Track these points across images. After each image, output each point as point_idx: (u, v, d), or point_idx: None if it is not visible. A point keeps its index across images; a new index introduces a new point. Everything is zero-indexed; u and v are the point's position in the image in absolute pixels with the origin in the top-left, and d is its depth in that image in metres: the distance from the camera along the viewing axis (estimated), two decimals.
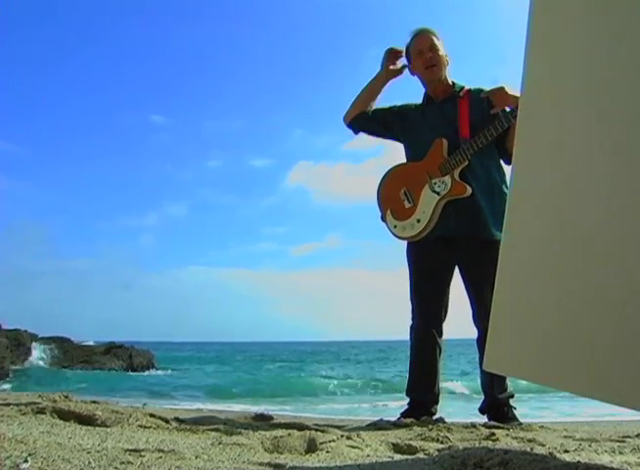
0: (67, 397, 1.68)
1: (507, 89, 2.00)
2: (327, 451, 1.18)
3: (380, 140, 2.41)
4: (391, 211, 2.23)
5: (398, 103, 2.34)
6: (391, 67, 2.28)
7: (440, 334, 2.17)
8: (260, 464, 0.99)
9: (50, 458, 0.89)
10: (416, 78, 2.28)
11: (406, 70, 2.29)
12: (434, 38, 2.19)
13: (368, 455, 1.18)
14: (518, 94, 1.92)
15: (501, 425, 1.84)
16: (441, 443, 1.40)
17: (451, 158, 2.08)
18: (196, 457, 1.02)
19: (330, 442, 1.26)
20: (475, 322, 2.10)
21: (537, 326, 1.12)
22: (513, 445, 1.36)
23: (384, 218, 2.27)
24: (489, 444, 1.37)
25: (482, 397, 2.18)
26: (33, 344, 12.15)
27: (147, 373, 12.78)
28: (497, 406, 2.10)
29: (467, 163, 2.06)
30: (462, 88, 2.20)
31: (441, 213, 2.10)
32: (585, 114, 1.05)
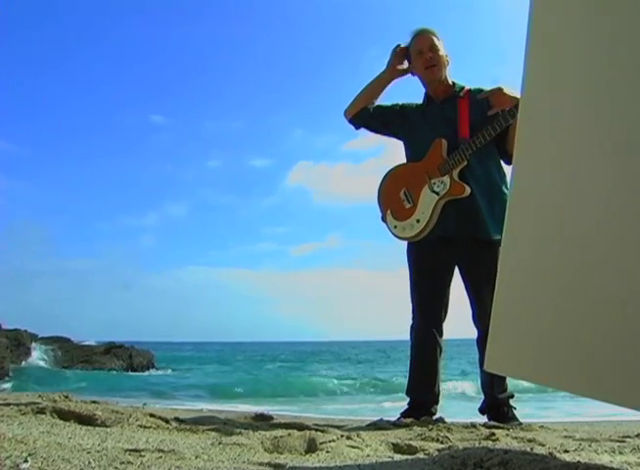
0: (67, 397, 1.68)
1: (505, 90, 2.00)
2: (327, 451, 1.18)
3: (380, 140, 2.45)
4: (392, 211, 2.24)
5: (400, 102, 2.34)
6: (398, 66, 2.28)
7: (441, 334, 2.17)
8: (260, 464, 0.99)
9: (50, 458, 0.89)
10: (416, 78, 2.28)
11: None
12: (435, 38, 2.19)
13: (368, 455, 1.18)
14: (516, 94, 1.95)
15: (501, 425, 1.84)
16: (441, 443, 1.40)
17: (450, 158, 2.08)
18: (196, 457, 1.02)
19: (330, 442, 1.26)
20: (474, 322, 2.11)
21: (538, 326, 1.12)
22: (513, 445, 1.36)
23: (384, 219, 2.27)
24: (489, 444, 1.37)
25: (483, 397, 2.18)
26: (33, 344, 12.14)
27: (147, 373, 12.77)
28: (497, 406, 2.10)
29: (466, 163, 2.06)
30: (462, 88, 2.21)
31: (441, 214, 2.10)
32: (585, 114, 1.05)
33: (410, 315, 2.21)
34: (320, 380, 10.34)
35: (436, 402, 2.16)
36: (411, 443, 1.33)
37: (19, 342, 11.59)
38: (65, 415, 1.38)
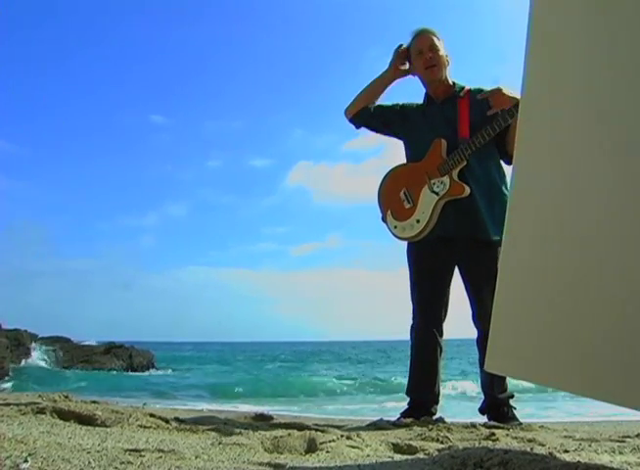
0: (67, 397, 1.68)
1: (504, 90, 2.00)
2: (327, 451, 1.18)
3: (380, 140, 2.46)
4: (392, 211, 2.24)
5: (400, 101, 2.34)
6: (401, 66, 2.28)
7: (441, 334, 2.17)
8: (260, 464, 0.99)
9: (50, 458, 0.89)
10: (417, 78, 2.28)
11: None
12: (435, 38, 2.19)
13: (368, 455, 1.18)
14: (515, 95, 1.95)
15: (501, 425, 1.84)
16: (441, 443, 1.40)
17: (450, 158, 2.08)
18: (196, 457, 1.02)
19: (330, 442, 1.26)
20: (474, 322, 2.11)
21: (538, 327, 1.12)
22: (513, 445, 1.36)
23: (384, 219, 2.28)
24: (489, 444, 1.37)
25: (483, 397, 2.18)
26: (33, 344, 12.13)
27: (147, 373, 12.77)
28: (497, 406, 2.10)
29: (465, 163, 2.06)
30: (462, 88, 2.21)
31: (441, 214, 2.10)
32: (586, 114, 1.05)
33: (410, 315, 2.21)
34: (320, 380, 10.34)
35: (436, 402, 2.16)
36: (411, 443, 1.33)
37: (19, 342, 11.59)
38: (65, 415, 1.38)
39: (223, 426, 1.52)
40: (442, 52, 2.19)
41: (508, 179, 2.11)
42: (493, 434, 1.53)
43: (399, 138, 2.33)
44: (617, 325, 0.96)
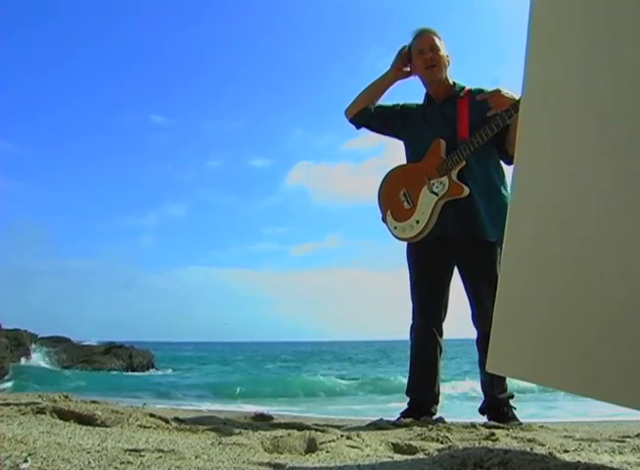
0: (67, 397, 1.68)
1: (503, 91, 2.00)
2: (327, 451, 1.18)
3: (380, 139, 2.46)
4: (392, 212, 2.24)
5: (401, 102, 2.34)
6: (403, 68, 2.28)
7: (441, 334, 2.18)
8: (260, 464, 0.99)
9: (50, 458, 0.89)
10: (418, 78, 2.28)
11: None
12: (436, 38, 2.19)
13: (368, 455, 1.18)
14: (514, 95, 1.95)
15: (501, 425, 1.84)
16: (441, 443, 1.40)
17: (449, 158, 2.08)
18: (196, 457, 1.02)
19: (330, 442, 1.26)
20: (474, 322, 2.11)
21: (540, 327, 1.12)
22: (513, 444, 1.36)
23: (384, 219, 2.28)
24: (489, 444, 1.37)
25: (483, 397, 2.18)
26: (33, 345, 12.13)
27: (147, 373, 12.78)
28: (497, 406, 2.10)
29: (464, 163, 2.06)
30: (463, 88, 2.21)
31: (440, 214, 2.10)
32: (586, 114, 1.05)
33: (410, 315, 2.22)
34: (320, 380, 10.33)
35: (436, 402, 2.16)
36: (411, 443, 1.33)
37: (19, 342, 11.59)
38: (65, 415, 1.38)
39: (223, 426, 1.52)
40: (443, 52, 2.19)
41: (507, 180, 2.12)
42: (493, 434, 1.53)
43: (400, 138, 2.33)
44: (618, 325, 0.96)
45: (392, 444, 1.33)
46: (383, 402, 6.68)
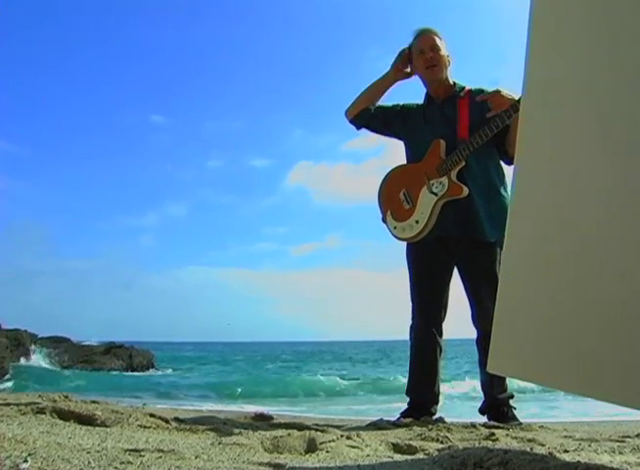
0: (67, 397, 1.68)
1: (503, 92, 2.00)
2: (327, 451, 1.18)
3: (380, 139, 2.45)
4: (391, 212, 2.24)
5: (401, 102, 2.34)
6: (402, 69, 2.28)
7: (440, 334, 2.17)
8: (260, 464, 0.99)
9: (50, 458, 0.89)
10: (418, 78, 2.28)
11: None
12: (437, 38, 2.18)
13: (368, 455, 1.18)
14: (513, 96, 1.95)
15: (501, 425, 1.84)
16: (441, 442, 1.40)
17: (448, 159, 2.08)
18: (196, 457, 1.02)
19: (330, 442, 1.26)
20: (473, 323, 2.11)
21: (541, 328, 1.12)
22: (513, 444, 1.36)
23: (384, 219, 2.28)
24: (489, 444, 1.37)
25: (483, 397, 2.18)
26: (32, 346, 12.13)
27: (147, 373, 12.77)
28: (497, 407, 2.10)
29: (464, 163, 2.06)
30: (463, 88, 2.20)
31: (439, 214, 2.10)
32: (586, 114, 1.05)
33: (410, 315, 2.21)
34: (320, 380, 10.33)
35: (436, 402, 2.16)
36: (411, 443, 1.33)
37: (18, 342, 11.59)
38: (65, 415, 1.38)
39: (223, 426, 1.52)
40: (444, 52, 2.18)
41: (507, 180, 2.12)
42: (493, 434, 1.53)
43: (400, 139, 2.33)
44: (618, 325, 0.96)
45: (392, 444, 1.33)
46: (383, 402, 6.68)
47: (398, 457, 1.17)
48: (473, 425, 1.77)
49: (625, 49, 0.97)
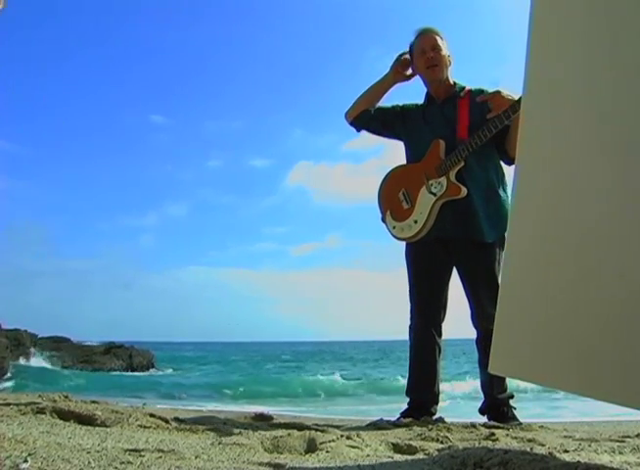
0: (66, 397, 1.68)
1: (503, 93, 2.00)
2: (327, 451, 1.18)
3: (380, 140, 2.43)
4: (391, 211, 2.24)
5: (400, 102, 2.34)
6: (402, 71, 2.28)
7: (440, 334, 2.17)
8: (260, 464, 0.99)
9: (50, 458, 0.89)
10: (418, 78, 2.28)
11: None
12: (438, 38, 2.18)
13: (368, 455, 1.18)
14: (513, 97, 1.95)
15: (501, 425, 1.84)
16: (441, 442, 1.40)
17: (447, 159, 2.08)
18: (196, 457, 1.02)
19: (330, 442, 1.26)
20: (473, 323, 2.11)
21: (542, 329, 1.12)
22: (513, 444, 1.36)
23: (384, 219, 2.28)
24: (489, 444, 1.37)
25: (483, 397, 2.18)
26: (32, 349, 12.13)
27: (147, 373, 12.79)
28: (497, 407, 2.10)
29: (463, 164, 2.06)
30: (463, 89, 2.20)
31: (438, 215, 2.10)
32: (586, 114, 1.05)
33: (409, 316, 2.21)
34: (320, 380, 10.34)
35: (436, 402, 2.16)
36: (411, 443, 1.33)
37: (18, 342, 11.61)
38: (65, 415, 1.38)
39: (223, 426, 1.52)
40: (445, 52, 2.18)
41: (507, 180, 2.12)
42: (493, 434, 1.53)
43: (400, 139, 2.33)
44: (618, 325, 0.96)
45: (392, 444, 1.33)
46: (383, 403, 6.69)
47: (398, 457, 1.17)
48: (473, 425, 1.77)
49: (626, 49, 0.97)
